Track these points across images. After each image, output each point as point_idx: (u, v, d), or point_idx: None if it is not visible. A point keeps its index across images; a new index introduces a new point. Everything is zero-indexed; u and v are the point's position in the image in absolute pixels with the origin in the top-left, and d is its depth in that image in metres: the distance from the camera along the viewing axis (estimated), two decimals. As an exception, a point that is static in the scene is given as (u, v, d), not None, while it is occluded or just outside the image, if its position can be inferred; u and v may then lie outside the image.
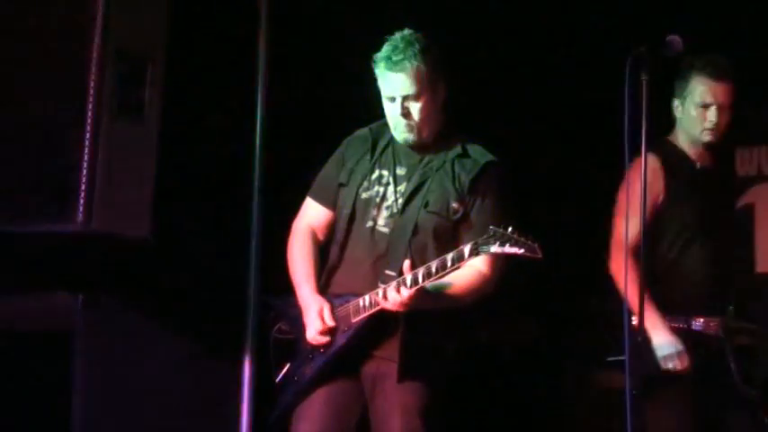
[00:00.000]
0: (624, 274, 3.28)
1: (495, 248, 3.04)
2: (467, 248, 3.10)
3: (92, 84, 3.65)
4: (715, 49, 3.92)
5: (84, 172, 3.62)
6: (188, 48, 4.27)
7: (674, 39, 3.00)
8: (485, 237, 3.06)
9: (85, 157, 3.62)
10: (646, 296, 3.21)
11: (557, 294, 5.06)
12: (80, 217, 3.61)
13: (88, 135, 3.62)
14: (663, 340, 3.67)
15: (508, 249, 3.01)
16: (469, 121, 3.66)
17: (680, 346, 3.67)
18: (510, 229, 3.01)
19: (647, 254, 3.21)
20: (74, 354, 4.28)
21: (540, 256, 2.98)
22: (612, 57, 3.22)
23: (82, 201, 3.62)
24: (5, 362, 4.21)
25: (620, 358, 3.09)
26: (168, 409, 4.41)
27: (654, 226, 3.67)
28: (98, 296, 4.27)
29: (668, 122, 3.90)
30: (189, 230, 4.43)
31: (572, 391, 4.96)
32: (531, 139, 5.09)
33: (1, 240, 3.82)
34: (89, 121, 3.63)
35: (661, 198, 3.80)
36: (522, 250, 3.00)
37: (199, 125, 4.49)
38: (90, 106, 3.64)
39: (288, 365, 3.53)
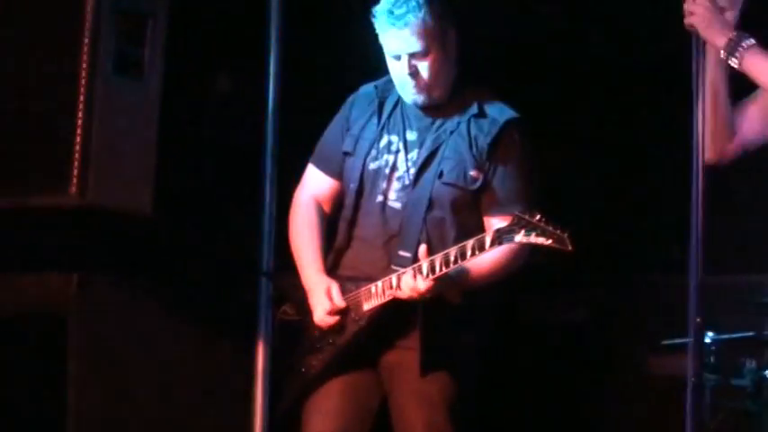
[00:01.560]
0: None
1: (519, 238, 2.80)
2: (488, 237, 2.85)
3: (86, 42, 3.40)
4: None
5: (78, 140, 3.39)
6: (192, 1, 4.04)
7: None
8: (509, 224, 2.82)
9: (79, 124, 3.38)
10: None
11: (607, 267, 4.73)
12: (74, 189, 3.40)
13: (82, 99, 3.39)
14: None
15: (534, 239, 2.77)
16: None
17: None
18: (537, 216, 2.76)
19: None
20: (69, 338, 4.04)
21: (569, 248, 2.73)
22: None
23: (75, 172, 3.39)
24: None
25: (683, 341, 2.76)
26: (173, 400, 4.19)
27: None
28: (95, 276, 4.05)
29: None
30: (194, 203, 4.19)
31: (623, 378, 4.67)
32: (582, 95, 4.79)
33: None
34: (83, 83, 3.40)
35: None
36: (549, 241, 2.76)
37: (205, 87, 4.29)
38: (84, 67, 3.39)
39: (294, 354, 3.28)
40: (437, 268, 2.87)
